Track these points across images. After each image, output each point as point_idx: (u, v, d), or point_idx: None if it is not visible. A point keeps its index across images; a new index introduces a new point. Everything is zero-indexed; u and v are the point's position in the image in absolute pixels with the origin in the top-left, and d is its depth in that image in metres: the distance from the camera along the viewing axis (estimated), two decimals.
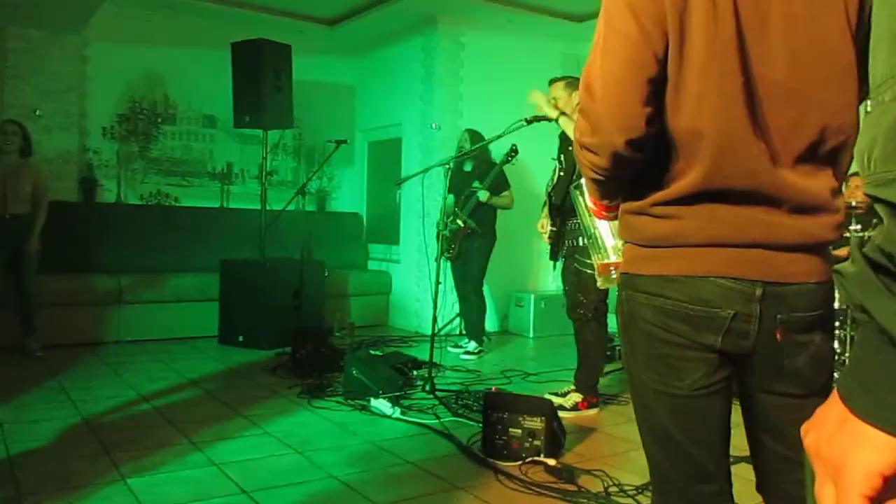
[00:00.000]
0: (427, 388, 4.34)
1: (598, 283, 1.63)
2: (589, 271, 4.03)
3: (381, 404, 4.03)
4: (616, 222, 1.48)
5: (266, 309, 5.84)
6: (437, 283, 4.55)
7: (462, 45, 6.87)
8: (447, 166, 4.72)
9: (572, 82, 4.22)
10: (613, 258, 1.55)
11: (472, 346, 5.83)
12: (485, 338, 5.97)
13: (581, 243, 4.10)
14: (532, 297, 6.85)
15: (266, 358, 5.45)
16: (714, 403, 1.28)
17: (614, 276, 1.56)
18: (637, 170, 1.25)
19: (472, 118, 6.57)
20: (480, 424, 3.44)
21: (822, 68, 1.22)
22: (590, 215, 1.55)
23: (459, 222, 5.51)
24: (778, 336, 1.24)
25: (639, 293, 1.29)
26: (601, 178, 1.26)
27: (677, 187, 1.23)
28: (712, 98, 1.19)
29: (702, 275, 1.23)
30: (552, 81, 4.35)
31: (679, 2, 1.17)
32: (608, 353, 5.27)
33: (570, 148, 4.10)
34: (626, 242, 1.36)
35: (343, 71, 7.83)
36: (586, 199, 1.51)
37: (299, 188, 5.84)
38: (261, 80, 5.86)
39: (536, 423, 3.26)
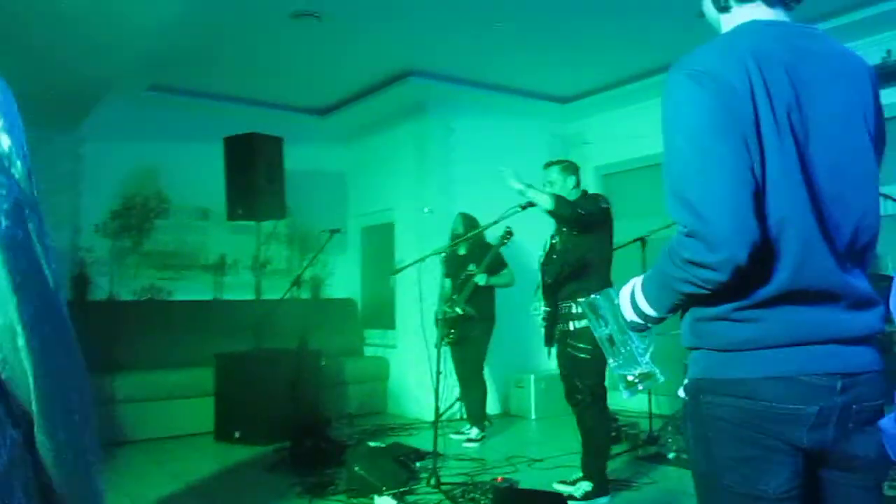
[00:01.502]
0: (432, 481, 4.22)
1: (624, 395, 1.59)
2: (583, 356, 3.98)
3: (385, 502, 3.90)
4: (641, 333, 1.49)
5: (262, 402, 5.73)
6: (438, 371, 4.45)
7: (452, 129, 6.98)
8: (442, 254, 4.69)
9: (568, 167, 4.27)
10: (646, 369, 1.53)
11: (475, 432, 5.71)
12: (486, 422, 5.85)
13: (573, 328, 4.06)
14: (532, 377, 6.76)
15: (264, 454, 5.29)
16: None
17: (640, 388, 1.54)
18: None
19: (465, 200, 6.60)
20: None
21: (853, 174, 1.35)
22: (621, 330, 1.53)
23: (458, 310, 5.47)
24: (851, 426, 1.31)
25: (722, 396, 1.32)
26: (707, 291, 1.28)
27: (764, 291, 1.28)
28: (791, 207, 1.28)
29: (789, 375, 1.28)
30: (547, 165, 4.39)
31: (752, 117, 1.26)
32: (613, 434, 5.19)
33: (565, 229, 4.12)
34: (698, 349, 1.39)
35: (334, 158, 7.92)
36: (623, 313, 1.49)
37: (294, 279, 5.84)
38: (253, 173, 5.92)
39: None
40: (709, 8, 1.50)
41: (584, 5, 4.93)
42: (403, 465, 4.58)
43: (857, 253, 1.36)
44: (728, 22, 1.45)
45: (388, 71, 6.36)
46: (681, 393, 1.46)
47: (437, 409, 4.54)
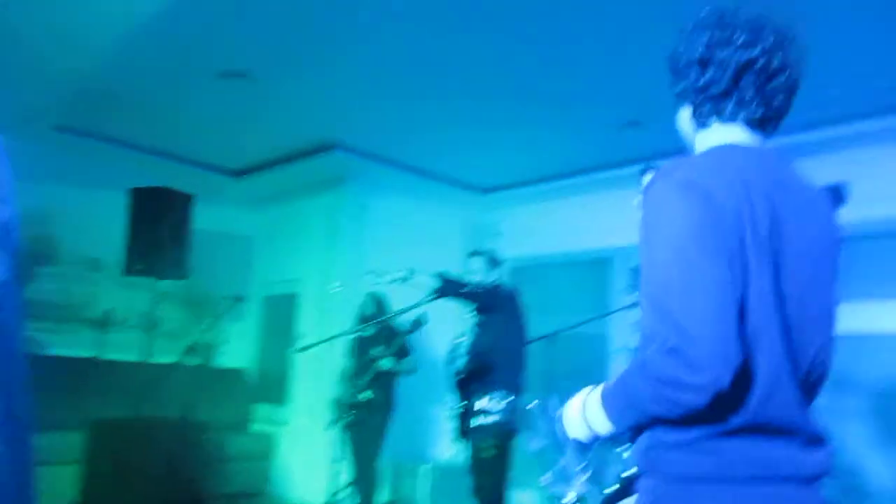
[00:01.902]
0: None
1: None
2: (485, 455, 3.89)
3: None
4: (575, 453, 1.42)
5: (136, 476, 5.26)
6: (340, 456, 4.22)
7: (366, 207, 6.92)
8: (353, 334, 4.54)
9: (492, 261, 4.27)
10: (580, 491, 1.44)
11: None
12: None
13: (479, 423, 3.97)
14: (426, 466, 6.56)
15: None
16: None
17: None
18: None
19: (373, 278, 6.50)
20: None
21: (815, 309, 1.32)
22: (556, 445, 1.44)
23: (368, 394, 5.28)
24: None
25: None
26: (679, 415, 1.19)
27: (731, 421, 1.21)
28: (765, 336, 1.23)
29: None
30: (472, 254, 4.40)
31: (739, 239, 1.22)
32: None
33: (470, 315, 4.10)
34: (650, 477, 1.29)
35: (242, 222, 7.68)
36: (566, 428, 1.40)
37: (191, 344, 5.49)
38: (158, 229, 5.62)
39: None
40: (685, 123, 1.49)
41: (511, 96, 5.04)
42: None
43: (810, 388, 1.34)
44: (704, 139, 1.44)
45: (310, 140, 6.27)
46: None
47: (335, 495, 4.27)
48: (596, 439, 1.37)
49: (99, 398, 5.84)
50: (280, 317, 7.31)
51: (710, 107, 1.41)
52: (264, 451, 6.81)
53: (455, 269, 6.28)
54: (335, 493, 5.89)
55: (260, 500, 6.39)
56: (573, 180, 6.57)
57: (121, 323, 6.80)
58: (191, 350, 5.47)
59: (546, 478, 1.46)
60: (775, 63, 1.36)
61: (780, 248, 1.27)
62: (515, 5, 3.80)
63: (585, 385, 5.17)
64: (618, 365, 6.46)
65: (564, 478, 1.44)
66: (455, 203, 7.44)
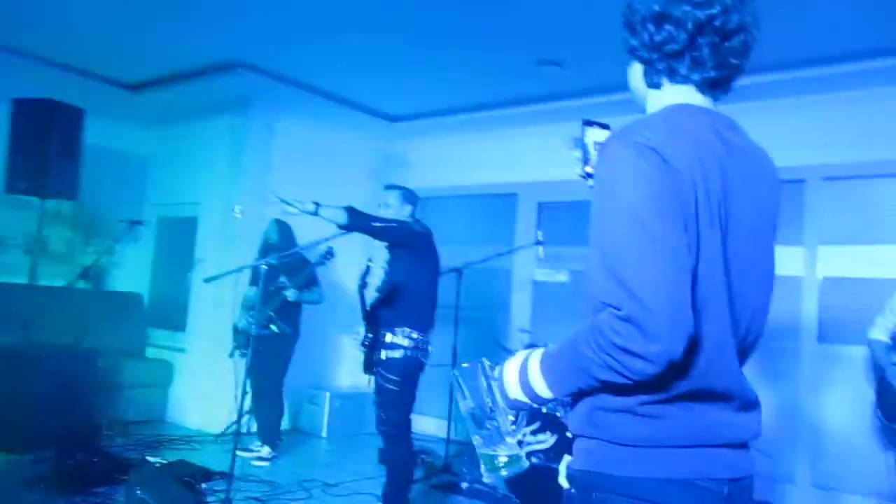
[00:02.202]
0: None
1: (484, 476, 1.50)
2: (390, 387, 3.92)
3: None
4: (508, 414, 1.41)
5: (24, 404, 5.03)
6: (245, 390, 4.17)
7: (274, 131, 6.67)
8: (262, 264, 4.42)
9: (408, 195, 4.22)
10: (512, 451, 1.43)
11: (266, 451, 5.44)
12: (279, 440, 5.60)
13: (384, 357, 3.97)
14: (327, 395, 6.60)
15: (20, 465, 4.64)
16: None
17: (504, 472, 1.44)
18: None
19: (278, 206, 6.32)
20: None
21: (756, 274, 1.34)
22: (488, 404, 1.43)
23: (274, 328, 5.21)
24: None
25: (616, 496, 1.25)
26: (631, 382, 1.17)
27: (676, 387, 1.22)
28: (713, 303, 1.24)
29: (685, 478, 1.23)
30: (388, 188, 4.33)
31: (694, 204, 1.22)
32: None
33: (385, 248, 4.08)
34: (593, 439, 1.30)
35: (138, 140, 7.25)
36: (505, 389, 1.39)
37: (84, 269, 5.22)
38: (45, 145, 5.23)
39: None
40: (637, 80, 1.45)
41: (427, 29, 4.92)
42: (189, 486, 4.24)
43: (746, 352, 1.37)
44: (657, 99, 1.41)
45: (215, 56, 5.93)
46: (563, 482, 1.41)
47: (238, 423, 4.24)
48: (535, 402, 1.34)
49: None
50: (177, 241, 7.04)
51: (664, 65, 1.37)
52: (161, 379, 6.64)
53: (362, 196, 6.25)
54: (235, 421, 5.87)
55: (157, 427, 6.25)
56: (485, 114, 6.54)
57: (1, 244, 6.36)
58: (82, 274, 5.18)
59: (478, 438, 1.43)
60: (733, 22, 1.32)
61: (728, 213, 1.27)
62: None
63: (489, 318, 5.29)
64: (520, 299, 6.63)
65: (498, 438, 1.42)
66: (364, 130, 7.28)
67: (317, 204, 3.75)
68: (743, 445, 1.31)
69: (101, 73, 6.41)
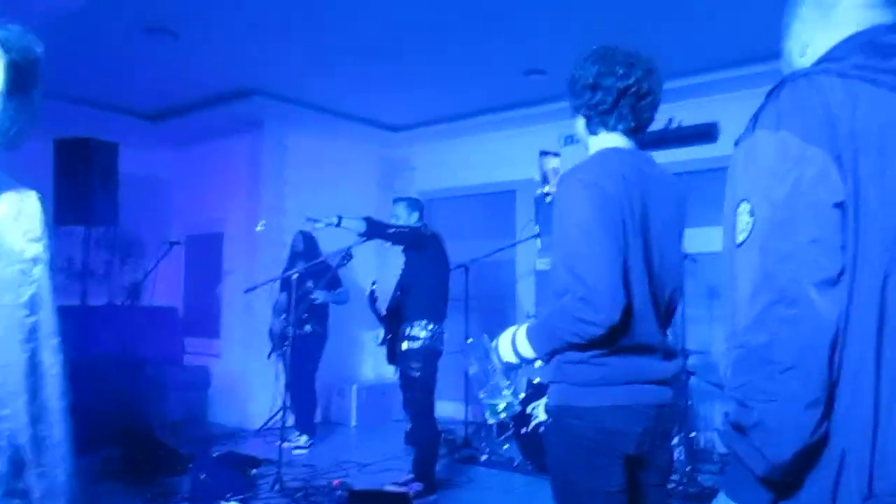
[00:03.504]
0: (277, 487, 4.51)
1: (490, 419, 2.09)
2: (414, 374, 4.51)
3: None
4: (504, 376, 1.99)
5: (84, 409, 5.61)
6: (287, 384, 4.75)
7: (286, 147, 7.23)
8: (294, 273, 5.00)
9: (413, 204, 4.81)
10: (508, 400, 2.01)
11: (304, 439, 6.02)
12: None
13: (406, 348, 4.55)
14: (354, 386, 7.18)
15: (90, 463, 5.22)
16: (626, 497, 1.85)
17: (503, 415, 2.03)
18: None
19: (297, 217, 6.87)
20: None
21: (670, 265, 1.93)
22: (490, 367, 2.01)
23: (308, 328, 5.81)
24: (658, 441, 1.88)
25: (579, 420, 1.81)
26: (586, 342, 1.75)
27: (616, 344, 1.78)
28: (638, 286, 1.81)
29: (626, 404, 1.81)
30: (395, 200, 4.91)
31: (622, 220, 1.78)
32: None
33: (408, 254, 4.67)
34: (560, 383, 1.86)
35: (163, 165, 7.83)
36: (500, 355, 1.97)
37: (132, 288, 5.79)
38: (86, 178, 5.80)
39: None
40: (581, 129, 2.04)
41: (422, 48, 5.45)
42: (243, 472, 4.82)
43: (666, 318, 1.96)
44: (595, 143, 2.00)
45: (230, 87, 6.51)
46: (542, 414, 1.98)
47: (283, 417, 4.82)
48: (522, 362, 1.93)
49: None
50: (205, 256, 7.61)
51: (598, 120, 1.97)
52: (200, 382, 7.23)
53: (371, 202, 6.83)
54: (272, 417, 6.46)
55: (200, 426, 6.85)
56: (480, 119, 7.10)
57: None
58: (138, 293, 5.76)
59: (483, 392, 2.03)
60: (644, 88, 1.92)
61: (647, 223, 1.86)
62: None
63: (497, 306, 5.95)
64: (524, 287, 7.18)
65: (497, 391, 2.01)
66: (369, 141, 7.84)
67: (339, 217, 4.35)
68: (666, 382, 1.89)
69: (125, 107, 6.98)
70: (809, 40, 1.31)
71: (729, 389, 1.12)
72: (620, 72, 1.89)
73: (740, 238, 1.14)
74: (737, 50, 5.33)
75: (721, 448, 5.58)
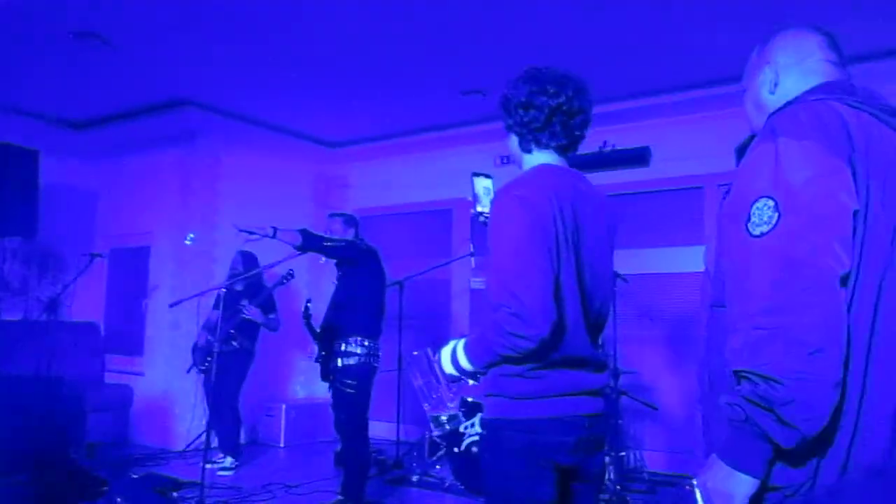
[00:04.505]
0: None
1: (435, 431, 2.08)
2: (348, 391, 4.41)
3: None
4: (447, 388, 1.99)
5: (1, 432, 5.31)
6: (211, 402, 4.59)
7: (219, 160, 7.07)
8: (222, 289, 4.86)
9: (349, 220, 4.75)
10: (452, 412, 2.01)
11: (228, 461, 5.83)
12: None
13: (340, 364, 4.44)
14: (283, 406, 7.01)
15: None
16: None
17: (448, 427, 2.03)
18: None
19: (228, 232, 6.68)
20: None
21: (600, 278, 1.95)
22: (433, 380, 2.00)
23: (235, 344, 5.64)
24: (590, 450, 1.90)
25: (515, 432, 1.81)
26: (518, 357, 1.75)
27: (550, 357, 1.79)
28: (570, 300, 1.82)
29: (559, 415, 1.82)
30: (331, 215, 4.83)
31: (554, 235, 1.79)
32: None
33: (343, 268, 4.57)
34: (497, 396, 1.85)
35: (87, 175, 7.54)
36: (442, 367, 1.94)
37: (50, 302, 5.54)
38: (3, 187, 5.53)
39: None
40: (514, 147, 2.05)
41: (360, 63, 5.42)
42: (164, 495, 4.62)
43: (596, 331, 1.97)
44: (528, 160, 2.02)
45: (162, 97, 6.34)
46: (478, 429, 1.97)
47: (207, 437, 4.66)
48: (462, 375, 1.93)
49: None
50: (129, 270, 7.35)
51: (531, 137, 1.98)
52: (122, 401, 6.94)
53: (306, 218, 6.74)
54: (197, 437, 6.24)
55: (121, 447, 6.55)
56: (417, 137, 7.09)
57: None
58: (55, 308, 5.50)
59: (427, 405, 2.03)
60: (575, 106, 1.95)
61: (579, 239, 1.88)
62: None
63: (431, 325, 5.93)
64: (459, 305, 7.17)
65: (442, 404, 2.00)
66: (305, 156, 7.75)
67: (274, 228, 4.24)
68: (597, 393, 1.92)
69: (49, 114, 6.71)
70: (780, 81, 1.52)
71: (748, 367, 1.22)
72: (552, 90, 1.92)
73: (760, 230, 1.26)
74: (670, 76, 5.48)
75: (644, 466, 5.65)
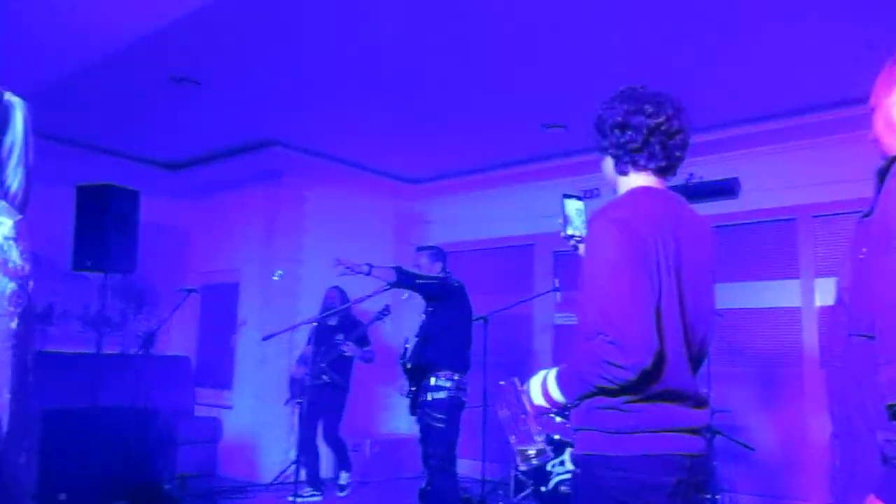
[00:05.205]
0: None
1: (521, 465, 1.98)
2: (437, 425, 4.39)
3: None
4: (535, 421, 1.89)
5: (92, 462, 5.50)
6: (304, 436, 4.64)
7: (305, 199, 7.25)
8: (314, 323, 4.96)
9: (436, 254, 4.76)
10: (540, 446, 1.92)
11: (313, 495, 5.87)
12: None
13: (429, 398, 4.45)
14: (368, 441, 7.03)
15: None
16: None
17: (535, 462, 1.93)
18: None
19: (313, 268, 6.85)
20: None
21: (702, 309, 1.84)
22: (520, 412, 1.92)
23: (325, 378, 5.72)
24: (691, 493, 1.76)
25: (609, 469, 1.71)
26: (616, 387, 1.66)
27: (649, 390, 1.69)
28: (672, 329, 1.72)
29: (658, 454, 1.70)
30: (419, 249, 4.88)
31: (655, 260, 1.70)
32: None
33: (434, 304, 4.59)
34: (590, 430, 1.77)
35: (180, 214, 7.86)
36: (531, 398, 1.88)
37: (147, 336, 5.74)
38: (106, 225, 5.80)
39: None
40: (609, 169, 1.97)
41: (441, 101, 5.50)
42: None
43: (697, 363, 1.87)
44: (625, 183, 1.93)
45: (251, 138, 6.58)
46: (569, 465, 1.88)
47: (297, 469, 4.71)
48: (552, 406, 1.84)
49: (51, 389, 6.01)
50: (220, 305, 7.57)
51: (628, 159, 1.90)
52: (210, 434, 7.10)
53: (388, 254, 6.81)
54: (284, 470, 6.32)
55: (209, 480, 6.69)
56: (497, 172, 7.11)
57: (62, 316, 6.92)
58: (150, 342, 5.71)
59: (513, 437, 1.93)
60: (674, 126, 1.86)
61: (680, 266, 1.78)
62: (441, 23, 4.25)
63: (514, 362, 5.84)
64: (541, 341, 7.08)
65: (529, 437, 1.91)
66: (387, 194, 7.86)
67: (370, 266, 4.31)
68: (697, 432, 1.79)
69: (147, 156, 7.05)
70: None
71: None
72: (650, 110, 1.84)
73: None
74: (758, 106, 5.35)
75: None
